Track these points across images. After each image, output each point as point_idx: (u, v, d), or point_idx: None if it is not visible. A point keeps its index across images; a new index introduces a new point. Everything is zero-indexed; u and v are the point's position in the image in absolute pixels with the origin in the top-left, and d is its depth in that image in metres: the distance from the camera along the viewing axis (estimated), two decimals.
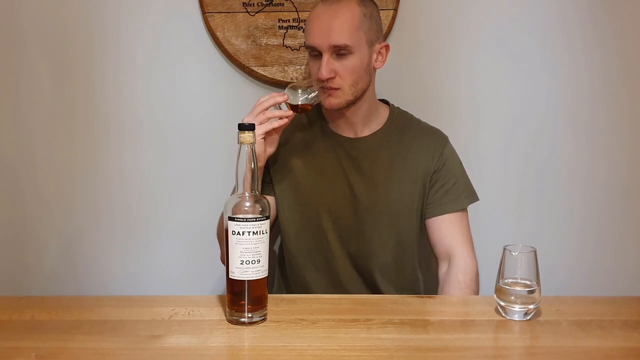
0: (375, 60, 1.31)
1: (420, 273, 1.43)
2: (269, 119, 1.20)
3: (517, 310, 1.01)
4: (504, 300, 1.02)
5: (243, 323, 0.99)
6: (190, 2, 1.56)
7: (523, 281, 1.02)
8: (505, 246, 1.02)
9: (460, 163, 1.40)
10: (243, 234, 0.98)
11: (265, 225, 1.00)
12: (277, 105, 1.23)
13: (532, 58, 1.58)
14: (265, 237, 1.00)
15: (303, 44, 1.50)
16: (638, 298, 1.17)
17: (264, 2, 1.54)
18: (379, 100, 1.41)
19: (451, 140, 1.40)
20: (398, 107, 1.43)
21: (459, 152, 1.41)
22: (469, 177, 1.40)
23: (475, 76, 1.59)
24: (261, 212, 1.00)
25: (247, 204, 1.00)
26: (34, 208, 1.66)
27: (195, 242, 1.64)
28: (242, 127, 0.99)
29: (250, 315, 0.99)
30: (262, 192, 1.27)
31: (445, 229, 1.34)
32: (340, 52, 1.25)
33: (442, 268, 1.34)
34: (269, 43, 1.56)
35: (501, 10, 1.57)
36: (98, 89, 1.61)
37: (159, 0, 1.57)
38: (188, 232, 1.65)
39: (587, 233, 1.65)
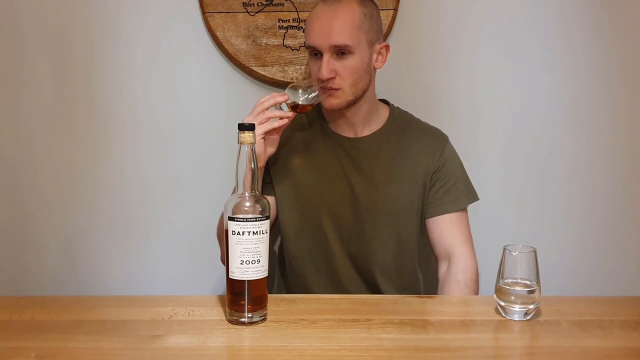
0: (376, 60, 1.31)
1: (420, 273, 1.43)
2: (269, 119, 1.20)
3: (517, 310, 1.01)
4: (504, 300, 1.02)
5: (243, 323, 0.99)
6: (190, 2, 1.56)
7: (523, 281, 1.02)
8: (505, 246, 1.02)
9: (461, 163, 1.40)
10: (243, 234, 0.98)
11: (265, 225, 1.00)
12: (278, 106, 1.23)
13: (532, 58, 1.58)
14: (265, 237, 1.00)
15: (303, 44, 1.50)
16: (638, 298, 1.18)
17: (264, 2, 1.54)
18: (379, 100, 1.41)
19: (451, 140, 1.40)
20: (398, 107, 1.43)
21: (459, 152, 1.41)
22: (469, 177, 1.40)
23: (475, 76, 1.59)
24: (261, 212, 1.00)
25: (247, 204, 1.00)
26: (34, 208, 1.66)
27: (195, 242, 1.64)
28: (242, 127, 0.99)
29: (250, 315, 0.99)
30: (262, 192, 1.27)
31: (445, 228, 1.34)
32: (340, 52, 1.25)
33: (442, 268, 1.34)
34: (269, 43, 1.56)
35: (501, 10, 1.56)
36: (98, 89, 1.61)
37: (159, 0, 1.57)
38: (188, 232, 1.65)
39: (587, 233, 1.65)
